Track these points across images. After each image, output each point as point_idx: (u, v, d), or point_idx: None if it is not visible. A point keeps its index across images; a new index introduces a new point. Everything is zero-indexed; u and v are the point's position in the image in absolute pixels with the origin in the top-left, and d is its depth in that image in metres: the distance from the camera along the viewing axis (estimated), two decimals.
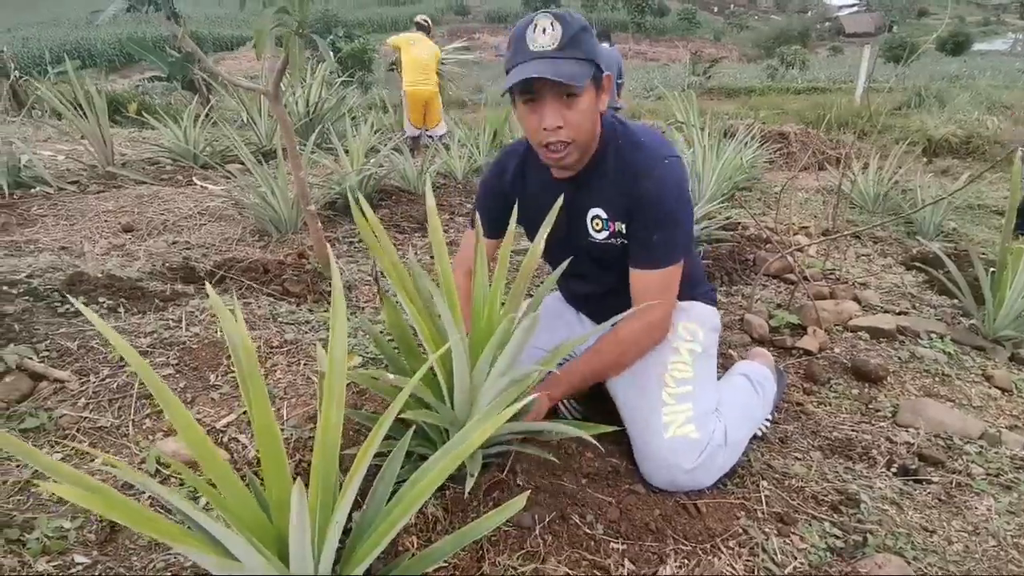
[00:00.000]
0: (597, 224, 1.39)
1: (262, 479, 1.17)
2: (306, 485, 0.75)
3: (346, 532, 0.95)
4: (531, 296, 1.27)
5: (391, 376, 1.16)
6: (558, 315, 1.67)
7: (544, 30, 1.20)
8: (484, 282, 1.25)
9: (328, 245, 2.35)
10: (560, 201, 1.28)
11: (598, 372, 1.38)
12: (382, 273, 1.20)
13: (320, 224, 2.21)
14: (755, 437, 1.52)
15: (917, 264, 2.86)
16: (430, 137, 5.97)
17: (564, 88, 1.20)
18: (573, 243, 1.43)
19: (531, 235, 1.53)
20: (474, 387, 1.12)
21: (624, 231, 1.36)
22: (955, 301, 2.47)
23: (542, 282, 1.26)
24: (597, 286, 1.52)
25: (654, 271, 1.32)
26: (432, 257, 2.64)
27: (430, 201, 1.26)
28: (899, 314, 2.36)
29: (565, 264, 1.25)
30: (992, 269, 2.23)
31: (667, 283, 1.34)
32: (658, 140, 1.34)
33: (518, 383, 1.13)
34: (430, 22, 6.32)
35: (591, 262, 1.45)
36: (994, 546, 1.21)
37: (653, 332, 1.37)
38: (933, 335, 2.16)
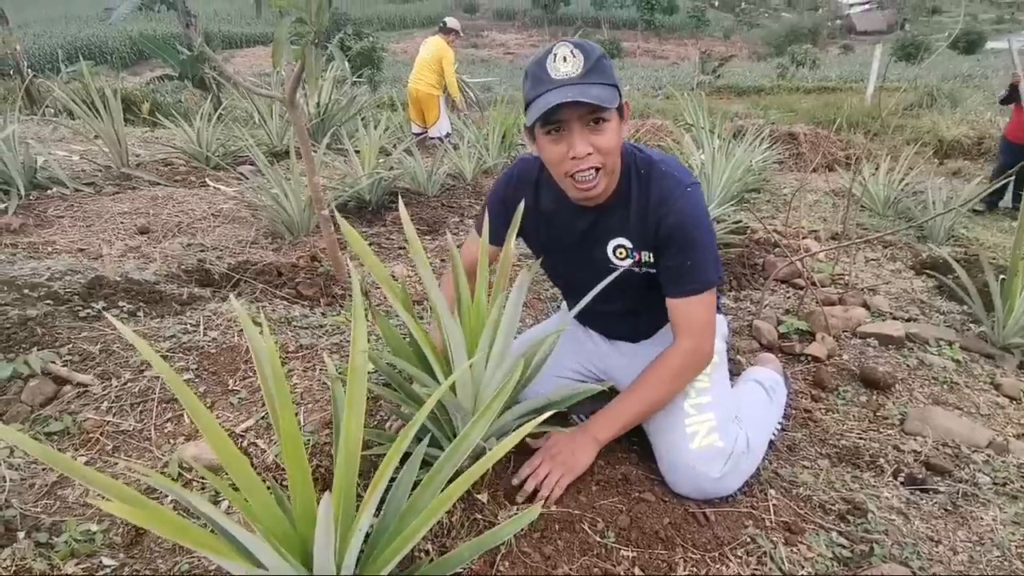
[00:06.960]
0: (621, 253, 1.39)
1: (282, 484, 1.20)
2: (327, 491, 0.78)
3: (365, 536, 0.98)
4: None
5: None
6: (572, 336, 1.66)
7: (565, 58, 1.18)
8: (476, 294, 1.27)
9: (343, 252, 2.38)
10: (608, 279, 1.28)
11: (650, 409, 1.35)
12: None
13: (333, 228, 2.24)
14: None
15: (927, 270, 2.86)
16: (437, 138, 5.98)
17: (593, 114, 1.19)
18: (591, 267, 1.42)
19: (537, 252, 1.54)
20: (475, 377, 1.14)
21: (651, 261, 1.36)
22: (964, 307, 2.47)
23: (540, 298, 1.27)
24: (611, 307, 1.51)
25: (693, 297, 1.32)
26: (442, 260, 2.65)
27: (404, 214, 1.26)
28: (908, 320, 2.36)
29: (589, 297, 1.26)
30: (1002, 276, 2.23)
31: (708, 312, 1.34)
32: (677, 167, 1.34)
33: (520, 365, 1.14)
34: (447, 23, 6.27)
35: (607, 285, 1.44)
36: (998, 557, 1.22)
37: (699, 364, 1.37)
38: (942, 342, 2.17)
